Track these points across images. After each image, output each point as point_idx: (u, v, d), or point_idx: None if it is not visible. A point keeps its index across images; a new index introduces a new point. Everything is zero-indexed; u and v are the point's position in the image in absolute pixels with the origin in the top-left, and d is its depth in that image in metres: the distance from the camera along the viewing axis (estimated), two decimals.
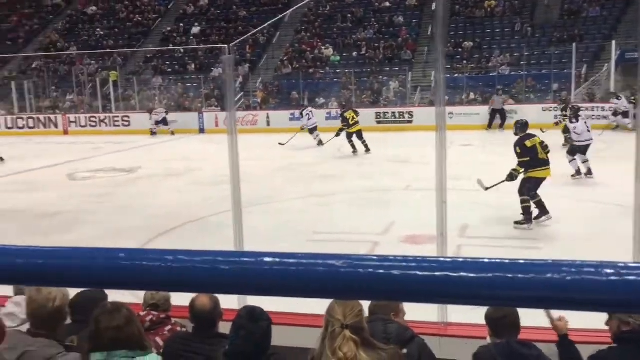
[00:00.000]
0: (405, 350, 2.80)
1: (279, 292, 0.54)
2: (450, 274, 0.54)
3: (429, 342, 3.21)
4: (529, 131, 8.74)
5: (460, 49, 26.38)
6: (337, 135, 16.87)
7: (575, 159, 11.66)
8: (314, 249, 7.55)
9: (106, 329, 2.39)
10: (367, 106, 24.48)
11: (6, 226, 9.25)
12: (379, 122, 23.09)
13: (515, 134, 8.76)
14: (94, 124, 25.60)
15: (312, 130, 18.84)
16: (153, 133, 23.11)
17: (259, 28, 26.27)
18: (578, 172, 11.63)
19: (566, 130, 14.19)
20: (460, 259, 0.57)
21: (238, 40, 24.48)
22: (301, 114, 19.68)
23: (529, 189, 8.36)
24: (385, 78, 26.02)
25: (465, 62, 25.86)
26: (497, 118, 21.70)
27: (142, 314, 3.59)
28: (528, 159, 8.36)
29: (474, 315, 3.40)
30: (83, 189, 12.46)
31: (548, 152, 8.52)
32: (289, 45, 29.11)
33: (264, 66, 28.69)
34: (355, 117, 16.68)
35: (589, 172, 11.68)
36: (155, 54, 29.91)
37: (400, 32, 28.01)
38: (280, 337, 3.15)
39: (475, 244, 7.80)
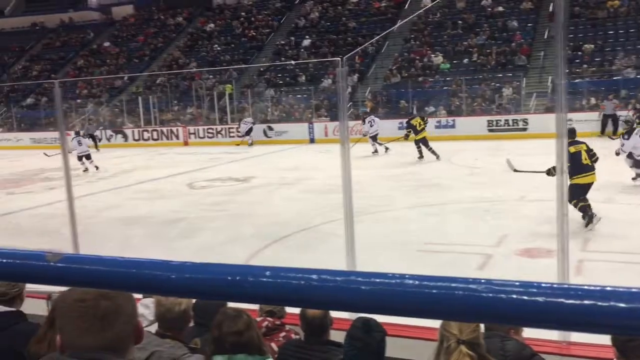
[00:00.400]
0: None
1: (419, 314, 0.55)
2: (600, 304, 0.53)
3: None
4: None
5: (580, 52, 25.04)
6: (406, 137, 17.42)
7: None
8: (425, 259, 7.45)
9: (228, 333, 2.51)
10: (478, 114, 23.86)
11: (135, 232, 9.94)
12: (491, 130, 22.44)
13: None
14: (211, 135, 26.91)
15: (374, 138, 19.12)
16: (250, 144, 24.11)
17: (371, 40, 26.41)
18: None
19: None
20: (610, 288, 0.55)
21: (351, 53, 24.81)
22: (363, 120, 20.05)
23: (577, 195, 8.33)
24: (497, 85, 25.23)
25: (585, 65, 24.49)
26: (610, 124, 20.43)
27: (258, 319, 3.72)
28: (569, 164, 8.09)
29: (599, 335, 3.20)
30: (202, 197, 13.11)
31: (595, 159, 8.60)
32: (397, 54, 29.04)
33: (373, 76, 28.80)
34: (422, 123, 16.94)
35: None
36: (268, 67, 30.95)
37: (514, 36, 27.07)
38: (394, 348, 3.14)
39: (597, 258, 7.35)
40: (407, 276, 0.56)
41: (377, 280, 0.55)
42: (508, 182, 12.48)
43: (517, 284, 0.54)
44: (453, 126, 22.98)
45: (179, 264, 0.64)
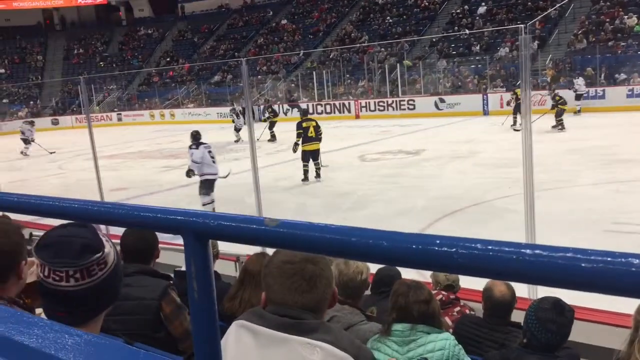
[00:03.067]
0: None
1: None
2: None
3: None
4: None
5: None
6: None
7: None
8: (614, 240, 6.88)
9: (415, 302, 2.55)
10: None
11: (310, 202, 10.43)
12: None
13: (301, 117, 12.38)
14: (382, 108, 27.09)
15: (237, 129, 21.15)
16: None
17: (557, 5, 24.54)
18: None
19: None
20: None
21: (536, 19, 23.32)
22: (235, 113, 22.11)
23: (305, 159, 11.98)
24: None
25: None
26: None
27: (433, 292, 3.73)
28: (301, 134, 11.84)
29: None
30: (373, 169, 13.32)
31: (320, 133, 12.03)
32: (584, 17, 26.68)
33: (555, 42, 26.82)
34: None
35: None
36: (440, 38, 30.23)
37: None
38: (579, 332, 2.97)
39: None
40: (629, 255, 0.52)
41: (599, 258, 0.53)
42: None
43: None
44: None
45: (386, 232, 0.67)
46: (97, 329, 1.34)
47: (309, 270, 1.39)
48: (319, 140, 12.00)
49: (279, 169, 14.22)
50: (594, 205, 8.54)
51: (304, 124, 11.95)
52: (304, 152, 11.95)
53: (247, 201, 9.55)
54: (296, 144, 11.96)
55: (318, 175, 12.08)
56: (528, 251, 0.57)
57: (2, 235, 1.66)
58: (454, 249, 0.61)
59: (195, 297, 0.86)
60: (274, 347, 1.34)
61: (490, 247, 0.59)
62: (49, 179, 15.75)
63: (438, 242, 0.63)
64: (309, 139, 11.82)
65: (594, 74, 23.20)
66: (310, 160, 12.03)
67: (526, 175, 4.62)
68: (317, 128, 11.94)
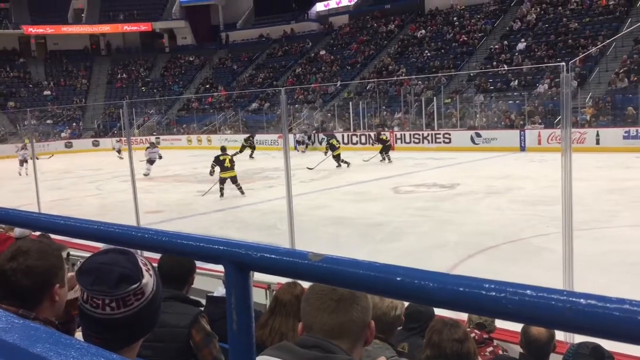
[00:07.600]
0: None
1: None
2: None
3: None
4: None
5: None
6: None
7: None
8: None
9: (449, 340, 2.51)
10: None
11: (343, 232, 10.37)
12: None
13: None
14: (417, 140, 26.99)
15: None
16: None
17: (602, 44, 24.24)
18: None
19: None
20: None
21: (579, 57, 23.08)
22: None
23: (221, 182, 15.12)
24: None
25: None
26: None
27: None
28: (219, 166, 15.16)
29: None
30: (407, 202, 13.22)
31: (233, 163, 15.39)
32: (626, 56, 26.30)
33: (595, 80, 26.46)
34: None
35: None
36: (478, 73, 30.17)
37: None
38: None
39: None
40: None
41: (632, 308, 0.51)
42: None
43: None
44: None
45: (432, 273, 0.66)
46: (132, 356, 1.34)
47: (338, 292, 1.39)
48: (233, 169, 15.25)
49: (313, 197, 14.25)
50: (632, 248, 8.29)
51: (221, 157, 15.14)
52: (222, 178, 15.09)
53: (280, 228, 9.57)
54: (212, 168, 15.55)
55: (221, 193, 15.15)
56: (582, 301, 0.55)
57: (39, 258, 1.67)
58: (503, 295, 0.60)
59: (234, 329, 0.86)
60: None
61: (541, 294, 0.58)
62: (87, 199, 16.07)
63: (486, 286, 0.61)
64: (225, 168, 15.00)
65: (635, 113, 22.77)
66: (229, 183, 15.08)
67: (565, 213, 4.53)
68: (232, 162, 15.33)
